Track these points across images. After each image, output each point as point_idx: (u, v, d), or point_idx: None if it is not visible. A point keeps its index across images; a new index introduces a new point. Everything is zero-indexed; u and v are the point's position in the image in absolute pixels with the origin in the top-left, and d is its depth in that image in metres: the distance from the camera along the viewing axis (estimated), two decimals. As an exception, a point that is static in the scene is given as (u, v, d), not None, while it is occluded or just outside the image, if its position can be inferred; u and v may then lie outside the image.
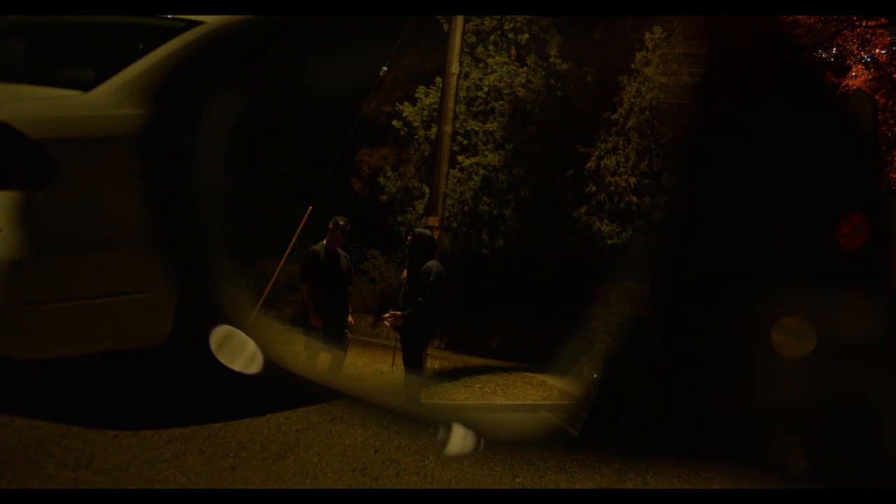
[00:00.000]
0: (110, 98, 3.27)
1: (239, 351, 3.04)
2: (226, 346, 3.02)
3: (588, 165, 11.77)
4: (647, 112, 11.40)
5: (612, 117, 11.79)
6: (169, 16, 3.86)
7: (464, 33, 9.01)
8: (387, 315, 6.37)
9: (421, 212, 12.60)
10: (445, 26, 9.79)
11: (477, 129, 12.84)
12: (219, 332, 2.96)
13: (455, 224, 12.63)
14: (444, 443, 3.04)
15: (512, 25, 12.82)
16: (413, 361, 6.39)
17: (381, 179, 13.88)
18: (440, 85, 10.10)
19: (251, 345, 2.97)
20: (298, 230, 7.43)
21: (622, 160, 11.53)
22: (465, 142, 12.78)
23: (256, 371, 2.92)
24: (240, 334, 2.98)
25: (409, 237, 6.86)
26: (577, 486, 3.02)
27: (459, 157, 12.49)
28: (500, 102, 12.82)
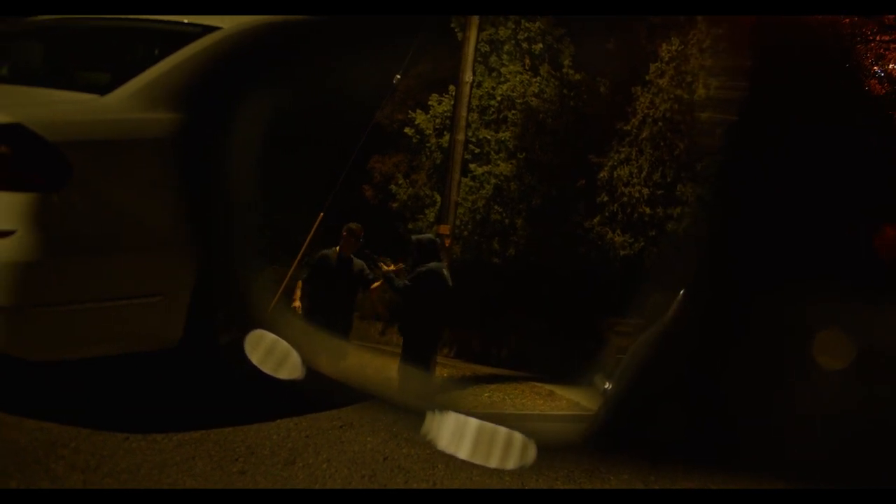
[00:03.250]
0: (126, 102, 3.29)
1: (271, 353, 3.07)
2: (257, 347, 3.05)
3: (601, 176, 11.76)
4: (661, 123, 11.39)
5: (625, 128, 11.78)
6: (185, 20, 3.88)
7: (477, 42, 9.02)
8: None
9: (432, 220, 12.60)
10: (459, 35, 9.82)
11: (489, 137, 12.85)
12: (253, 336, 2.99)
13: (466, 233, 12.62)
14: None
15: (526, 35, 12.83)
16: (417, 360, 6.40)
17: (393, 187, 13.90)
18: (453, 93, 10.11)
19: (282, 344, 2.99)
20: (310, 236, 7.40)
21: (635, 171, 11.52)
22: (478, 150, 12.79)
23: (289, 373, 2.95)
24: (275, 338, 3.00)
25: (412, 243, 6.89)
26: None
27: (471, 166, 12.50)
28: (513, 112, 12.83)
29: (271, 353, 3.15)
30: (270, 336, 3.12)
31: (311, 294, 6.40)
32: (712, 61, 10.75)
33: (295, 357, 3.15)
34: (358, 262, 6.63)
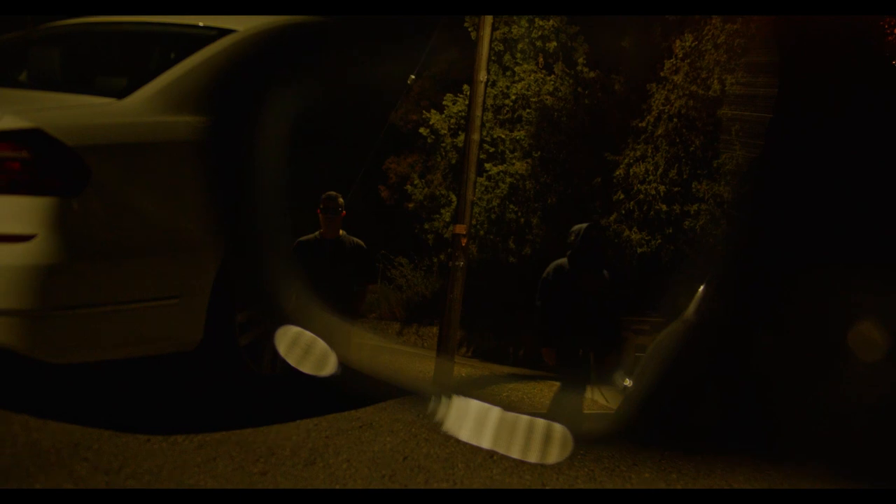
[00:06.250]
0: (143, 105, 3.32)
1: (308, 351, 3.08)
2: (293, 345, 3.06)
3: (617, 173, 11.71)
4: (676, 120, 11.33)
5: (641, 125, 11.73)
6: (201, 23, 3.90)
7: (491, 41, 9.00)
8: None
9: (448, 220, 12.61)
10: (473, 34, 9.81)
11: (504, 137, 12.83)
12: (286, 332, 3.00)
13: (482, 232, 12.62)
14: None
15: (540, 34, 12.80)
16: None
17: (409, 187, 13.93)
18: (467, 93, 10.11)
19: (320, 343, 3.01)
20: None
21: (651, 168, 11.46)
22: (493, 150, 12.77)
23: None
24: (309, 335, 3.01)
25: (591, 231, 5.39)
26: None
27: (486, 165, 12.49)
28: (528, 110, 12.80)
29: (302, 349, 3.16)
30: (300, 331, 3.13)
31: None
32: (727, 57, 10.69)
33: (328, 352, 3.16)
34: (349, 241, 5.44)
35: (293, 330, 3.14)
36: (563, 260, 5.35)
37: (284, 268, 3.69)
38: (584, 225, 5.45)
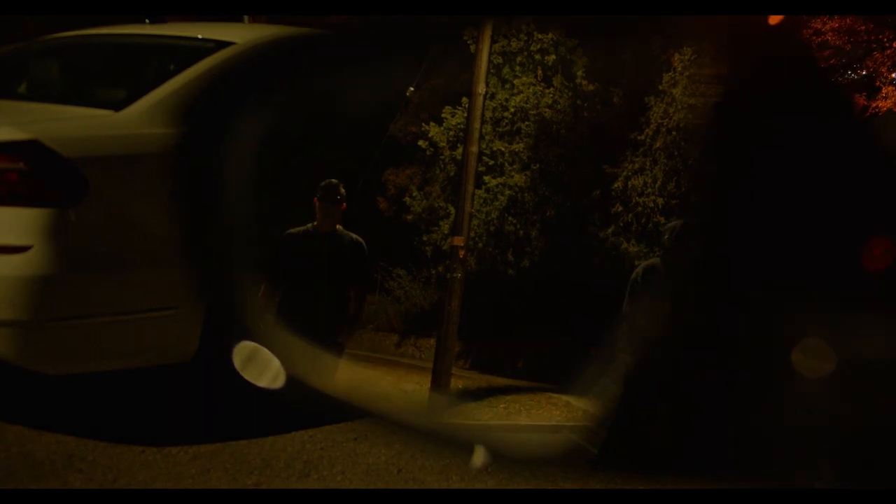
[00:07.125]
0: (141, 117, 3.33)
1: (263, 367, 3.05)
2: (251, 362, 3.04)
3: (615, 186, 11.72)
4: (675, 133, 11.34)
5: (639, 138, 11.75)
6: (199, 35, 3.92)
7: (490, 54, 9.03)
8: None
9: (446, 232, 12.60)
10: (472, 47, 9.84)
11: (503, 149, 12.85)
12: (243, 349, 2.97)
13: (480, 244, 12.62)
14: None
15: (538, 47, 12.85)
16: None
17: (407, 199, 13.93)
18: (466, 105, 10.13)
19: (275, 361, 2.98)
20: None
21: (649, 181, 11.47)
22: (491, 162, 12.79)
23: (278, 387, 2.92)
24: (264, 351, 2.99)
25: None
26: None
27: (485, 178, 12.51)
28: (527, 123, 12.82)
29: (258, 364, 3.15)
30: (263, 350, 3.11)
31: (283, 291, 4.53)
32: (718, 69, 10.70)
33: (279, 369, 3.13)
34: (347, 237, 4.72)
35: (249, 345, 3.11)
36: (655, 260, 4.88)
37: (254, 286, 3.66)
38: (680, 222, 4.91)
